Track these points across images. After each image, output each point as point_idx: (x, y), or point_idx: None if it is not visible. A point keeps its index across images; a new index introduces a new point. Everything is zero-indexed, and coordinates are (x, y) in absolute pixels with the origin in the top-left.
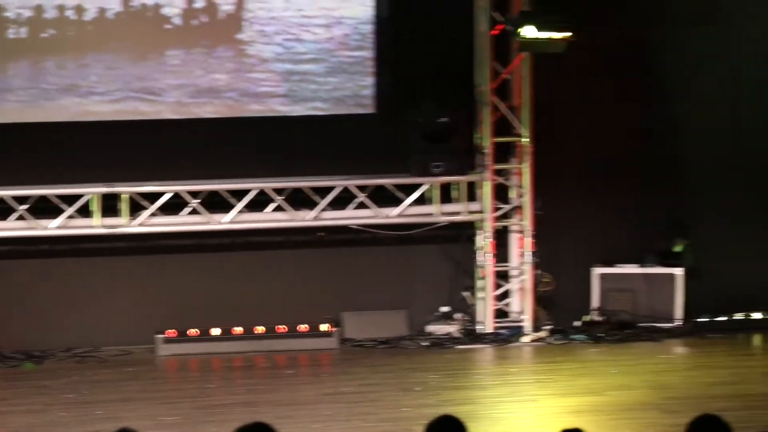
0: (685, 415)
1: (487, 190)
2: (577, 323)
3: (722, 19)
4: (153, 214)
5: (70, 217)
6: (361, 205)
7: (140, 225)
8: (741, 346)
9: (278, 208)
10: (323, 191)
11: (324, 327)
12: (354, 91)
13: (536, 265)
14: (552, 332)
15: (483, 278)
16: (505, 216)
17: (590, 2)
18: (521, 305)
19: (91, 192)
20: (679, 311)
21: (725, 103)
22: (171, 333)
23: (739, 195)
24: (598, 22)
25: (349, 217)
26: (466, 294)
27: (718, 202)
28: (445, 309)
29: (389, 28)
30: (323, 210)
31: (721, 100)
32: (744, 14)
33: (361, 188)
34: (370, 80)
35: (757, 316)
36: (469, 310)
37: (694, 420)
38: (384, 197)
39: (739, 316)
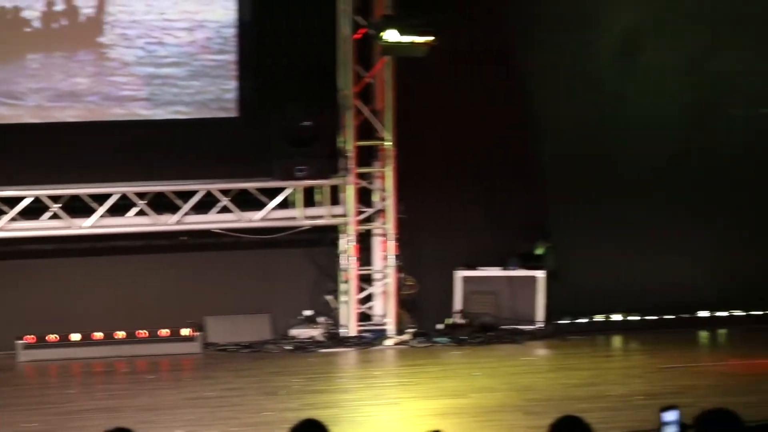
0: (547, 417)
1: (350, 194)
2: (440, 326)
3: (582, 22)
4: (13, 219)
5: None
6: (225, 209)
7: None
8: (601, 347)
9: (141, 213)
10: (186, 195)
11: (186, 331)
12: (217, 94)
13: (399, 269)
14: (415, 335)
15: (346, 282)
16: (369, 219)
17: (452, 6)
18: (384, 308)
19: None
20: (540, 313)
21: (587, 106)
22: (30, 339)
23: (599, 198)
24: (460, 26)
25: (212, 221)
26: (329, 297)
27: (579, 204)
28: (308, 313)
29: (252, 31)
30: (186, 214)
31: (582, 102)
32: (602, 17)
33: (225, 192)
34: (233, 84)
35: (616, 317)
36: (332, 314)
37: (555, 421)
38: (248, 201)
39: (599, 317)
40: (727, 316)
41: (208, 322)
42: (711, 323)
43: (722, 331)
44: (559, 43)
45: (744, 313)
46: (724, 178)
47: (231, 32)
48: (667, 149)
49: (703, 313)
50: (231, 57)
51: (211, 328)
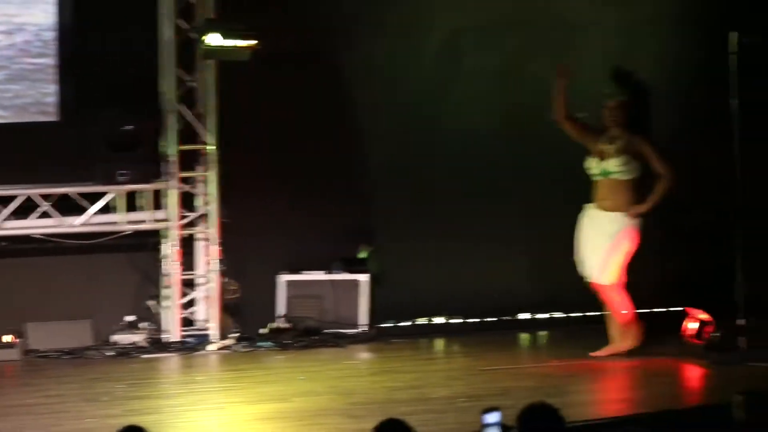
0: (370, 420)
1: (172, 199)
2: (263, 330)
3: (403, 29)
4: None
5: None
6: (45, 214)
7: None
8: (424, 350)
9: None
10: (5, 200)
11: (6, 338)
12: (36, 98)
13: (223, 273)
14: (239, 340)
15: (169, 287)
16: (192, 224)
17: (277, 11)
18: (207, 313)
19: None
20: (364, 317)
21: (408, 111)
22: None
23: (422, 202)
24: (284, 30)
25: (32, 226)
26: (151, 303)
27: (403, 208)
28: (130, 318)
29: (72, 34)
30: (5, 219)
31: (403, 108)
32: (422, 26)
33: (45, 197)
34: (53, 87)
35: (439, 320)
36: (155, 319)
37: (378, 425)
38: (69, 206)
39: (422, 320)
40: (547, 318)
41: (28, 329)
42: (532, 325)
43: (543, 333)
44: (383, 46)
45: (563, 315)
46: (543, 182)
47: (51, 35)
48: (488, 153)
49: (524, 316)
50: (51, 60)
51: (32, 335)
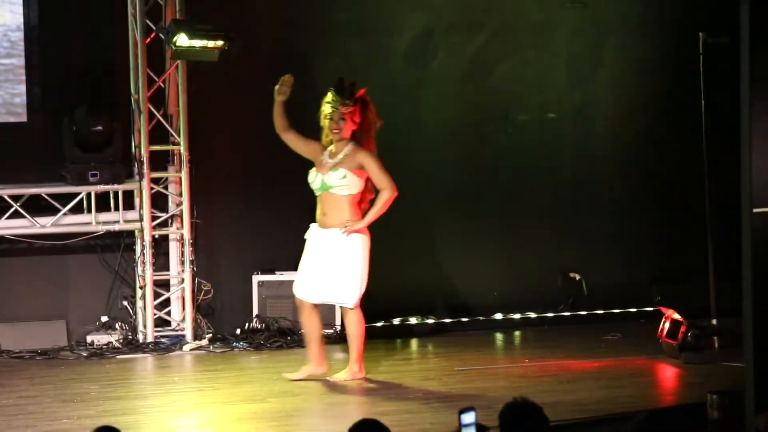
0: (346, 421)
1: (144, 199)
2: (238, 331)
3: (376, 31)
4: None
5: None
6: (16, 215)
7: None
8: (399, 350)
9: None
10: None
11: None
12: (5, 99)
13: (196, 274)
14: (213, 340)
15: (142, 287)
16: (164, 224)
17: (246, 12)
18: (181, 314)
19: None
20: (338, 317)
21: (380, 111)
22: None
23: (398, 202)
24: (255, 31)
25: (3, 227)
26: (125, 303)
27: None
28: (104, 318)
29: (41, 35)
30: None
31: (375, 107)
32: (394, 27)
33: (16, 197)
34: (22, 88)
35: (413, 321)
36: (129, 320)
37: (354, 425)
38: (41, 207)
39: (396, 321)
40: (520, 318)
41: (1, 330)
42: (505, 325)
43: (517, 333)
44: (355, 48)
45: (535, 315)
46: (516, 182)
47: (18, 36)
48: (462, 154)
49: (498, 316)
50: (19, 61)
51: (5, 336)
